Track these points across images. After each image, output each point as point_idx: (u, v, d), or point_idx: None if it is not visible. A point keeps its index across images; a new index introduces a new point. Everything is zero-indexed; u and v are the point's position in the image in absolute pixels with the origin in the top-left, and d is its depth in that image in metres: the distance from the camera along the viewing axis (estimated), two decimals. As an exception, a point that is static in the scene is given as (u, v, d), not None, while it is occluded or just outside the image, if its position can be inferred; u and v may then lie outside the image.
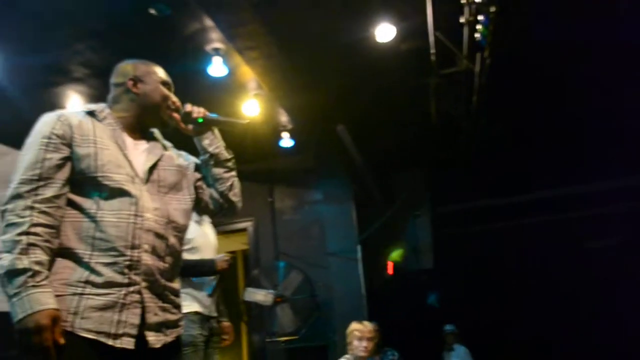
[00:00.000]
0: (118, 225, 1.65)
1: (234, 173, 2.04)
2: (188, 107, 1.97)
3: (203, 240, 3.35)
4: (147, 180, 1.78)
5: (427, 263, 6.81)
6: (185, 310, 3.05)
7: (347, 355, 3.89)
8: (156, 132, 1.98)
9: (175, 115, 1.95)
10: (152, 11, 3.41)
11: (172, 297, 1.80)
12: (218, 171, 2.00)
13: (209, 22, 3.71)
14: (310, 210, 6.22)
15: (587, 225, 7.31)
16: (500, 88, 4.76)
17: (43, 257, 1.54)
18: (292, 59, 4.23)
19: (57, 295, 1.56)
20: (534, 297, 7.28)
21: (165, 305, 1.75)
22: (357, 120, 5.36)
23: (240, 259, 7.84)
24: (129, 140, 1.82)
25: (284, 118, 5.28)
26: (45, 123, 1.70)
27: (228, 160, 2.02)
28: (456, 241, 7.51)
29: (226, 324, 3.46)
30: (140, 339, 1.64)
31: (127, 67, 1.92)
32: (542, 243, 7.38)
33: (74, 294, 1.59)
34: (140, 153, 1.83)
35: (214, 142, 2.00)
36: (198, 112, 1.96)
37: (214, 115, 1.99)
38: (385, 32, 4.02)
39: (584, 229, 7.34)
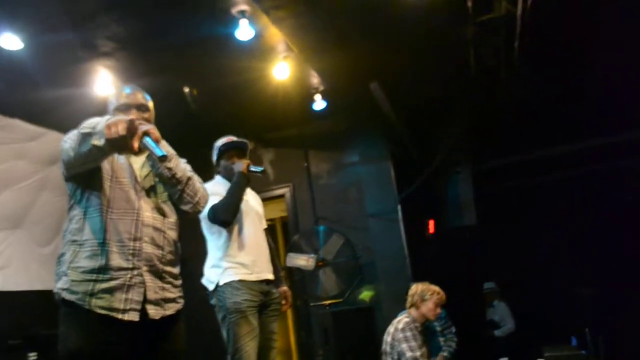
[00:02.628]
0: (124, 221, 2.07)
1: (179, 187, 2.18)
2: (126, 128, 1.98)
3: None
4: (145, 186, 2.18)
5: (469, 220, 6.64)
6: (227, 279, 3.10)
7: (406, 314, 3.85)
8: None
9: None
10: (175, -24, 3.29)
11: (170, 279, 2.19)
12: (166, 187, 2.22)
13: (232, -17, 3.58)
14: (347, 173, 6.12)
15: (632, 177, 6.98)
16: (541, 35, 4.48)
17: None
18: (321, 16, 4.05)
19: (76, 281, 1.99)
20: (578, 253, 7.04)
21: (164, 285, 2.14)
22: (391, 76, 5.15)
23: (279, 226, 7.83)
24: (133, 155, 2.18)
25: (315, 80, 5.14)
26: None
27: (170, 178, 2.15)
28: (499, 197, 7.29)
29: (283, 288, 3.42)
30: (143, 312, 2.03)
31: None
32: (587, 195, 7.10)
33: (90, 280, 1.99)
34: (141, 165, 2.23)
35: (155, 164, 2.16)
36: (138, 136, 1.94)
37: (148, 142, 1.95)
38: (417, -20, 3.81)
39: (629, 181, 7.01)
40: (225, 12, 3.86)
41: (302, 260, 5.61)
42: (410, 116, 5.98)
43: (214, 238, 3.24)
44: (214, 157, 3.40)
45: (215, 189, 3.21)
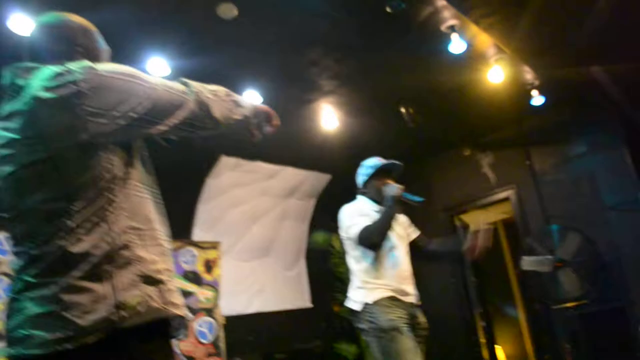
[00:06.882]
0: None
1: None
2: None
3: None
4: None
5: None
6: (376, 297, 2.97)
7: None
8: None
9: None
10: (388, 9, 3.45)
11: None
12: None
13: (441, 1, 3.64)
14: (575, 165, 5.71)
15: None
16: None
17: None
18: (532, 13, 3.90)
19: None
20: None
21: None
22: (614, 55, 4.72)
23: (501, 229, 7.59)
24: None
25: (529, 75, 4.93)
26: None
27: None
28: None
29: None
30: None
31: None
32: None
33: None
34: None
35: None
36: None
37: None
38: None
39: None
40: (435, 31, 3.93)
41: (539, 263, 5.39)
42: (641, 93, 5.40)
43: (360, 260, 3.12)
44: (364, 177, 3.29)
45: (364, 210, 3.17)
